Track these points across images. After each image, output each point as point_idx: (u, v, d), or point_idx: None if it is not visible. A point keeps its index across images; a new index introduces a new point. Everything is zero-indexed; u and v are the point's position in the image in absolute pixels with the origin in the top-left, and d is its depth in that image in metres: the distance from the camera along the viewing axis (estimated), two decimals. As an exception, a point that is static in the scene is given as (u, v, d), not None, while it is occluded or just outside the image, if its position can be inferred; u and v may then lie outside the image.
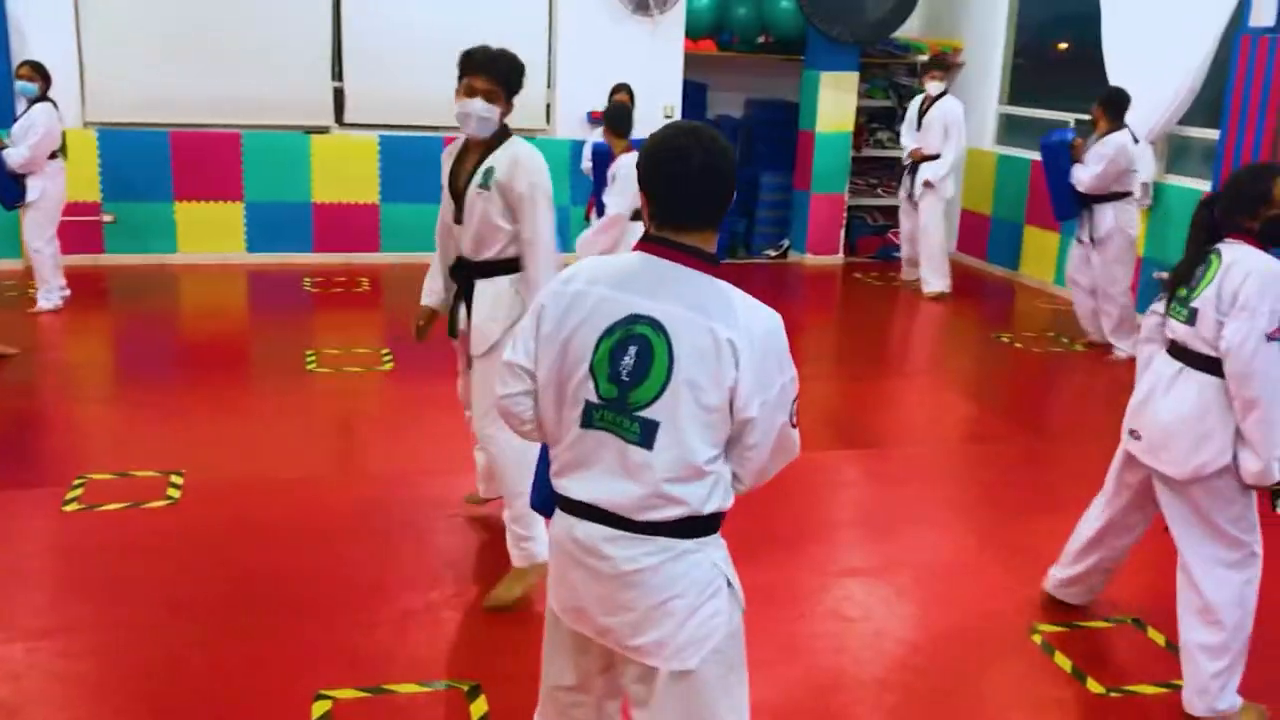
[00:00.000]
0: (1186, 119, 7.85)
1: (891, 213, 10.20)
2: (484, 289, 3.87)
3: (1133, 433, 3.56)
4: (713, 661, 2.24)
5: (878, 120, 10.70)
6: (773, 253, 10.52)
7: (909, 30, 10.54)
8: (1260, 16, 5.58)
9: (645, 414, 2.15)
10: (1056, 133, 7.62)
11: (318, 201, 9.26)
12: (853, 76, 9.94)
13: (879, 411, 6.61)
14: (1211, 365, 3.30)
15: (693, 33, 9.75)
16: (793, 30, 9.95)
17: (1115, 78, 8.11)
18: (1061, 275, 8.34)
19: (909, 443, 5.98)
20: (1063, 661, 3.74)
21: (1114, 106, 7.24)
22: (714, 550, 2.26)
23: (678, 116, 9.59)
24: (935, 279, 9.08)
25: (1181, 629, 3.46)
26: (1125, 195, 7.25)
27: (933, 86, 9.07)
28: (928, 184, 8.95)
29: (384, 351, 6.86)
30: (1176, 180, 8.07)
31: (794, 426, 2.29)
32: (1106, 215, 7.24)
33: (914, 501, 5.09)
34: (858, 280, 9.78)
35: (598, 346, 2.18)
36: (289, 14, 8.92)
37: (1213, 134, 7.02)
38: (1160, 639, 3.90)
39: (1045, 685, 3.62)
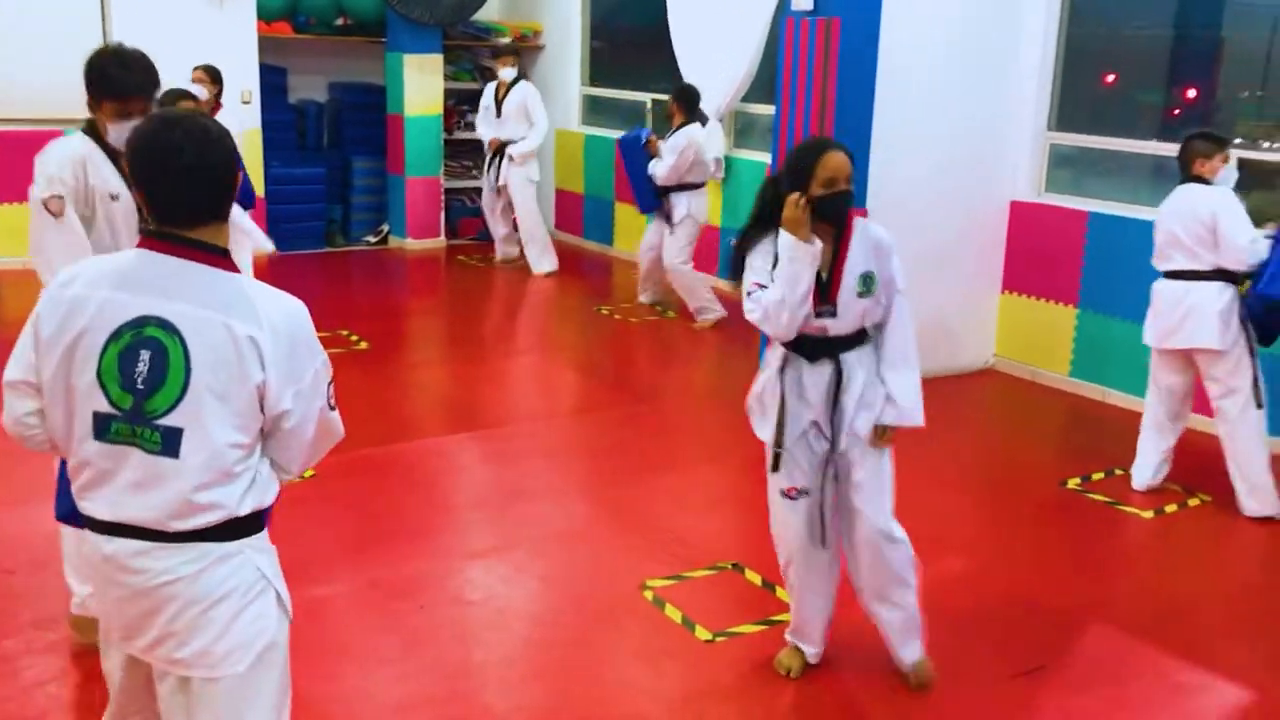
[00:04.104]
0: (749, 96, 8.48)
1: (488, 194, 10.28)
2: None
3: None
4: (258, 666, 2.21)
5: (466, 103, 10.71)
6: (372, 239, 10.31)
7: (489, 13, 10.64)
8: (801, 1, 6.10)
9: (166, 422, 2.07)
10: (632, 133, 8.12)
11: None
12: (437, 59, 9.90)
13: (492, 391, 6.65)
14: None
15: (266, 14, 9.29)
16: (371, 12, 9.75)
17: (684, 59, 8.62)
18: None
19: (523, 419, 6.07)
20: (673, 613, 3.94)
21: (687, 100, 7.82)
22: (257, 554, 2.21)
23: (256, 102, 9.14)
24: (542, 260, 9.31)
25: None
26: (698, 186, 7.84)
27: (505, 72, 9.21)
28: (511, 158, 9.12)
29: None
30: (743, 154, 8.71)
31: (333, 409, 2.28)
32: (681, 203, 7.82)
33: (530, 477, 5.17)
34: (462, 263, 9.80)
35: (104, 352, 2.08)
36: None
37: (771, 110, 7.61)
38: (757, 579, 4.21)
39: (658, 639, 3.80)
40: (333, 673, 3.50)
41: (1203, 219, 4.86)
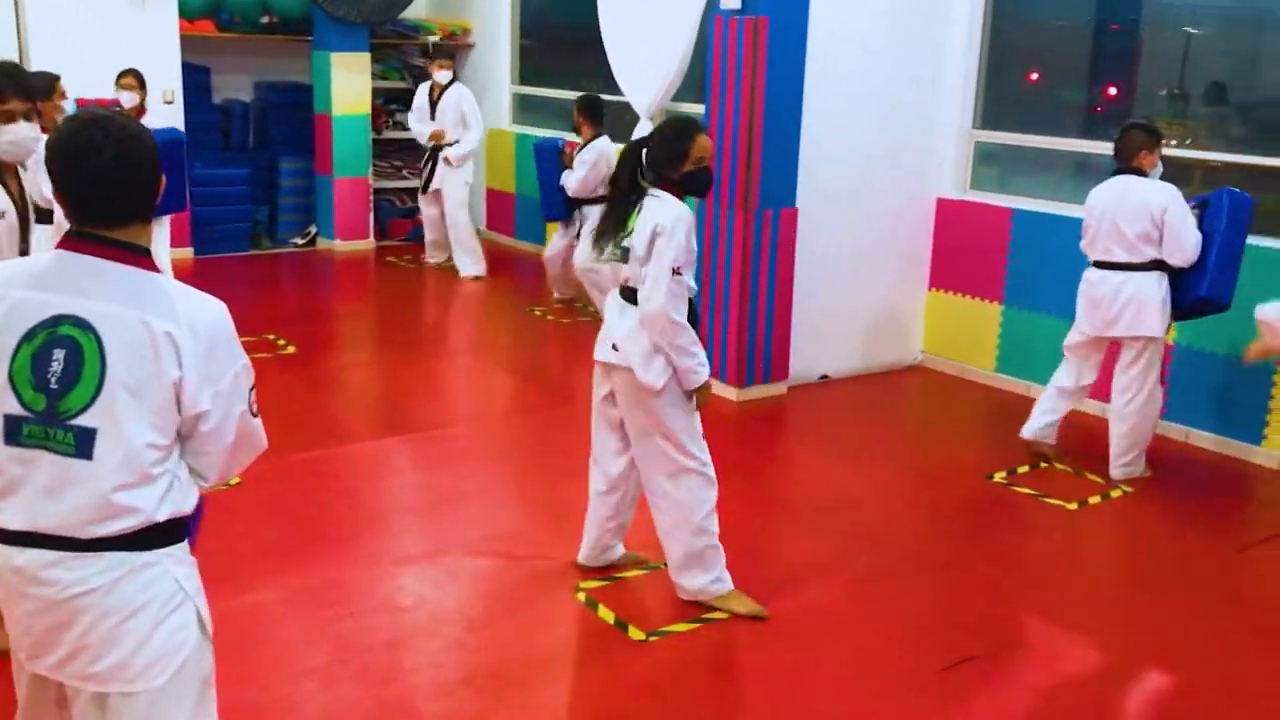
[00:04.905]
0: (679, 95, 8.47)
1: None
2: None
3: (613, 346, 3.83)
4: (178, 679, 2.16)
5: (395, 102, 10.61)
6: (300, 241, 10.16)
7: (417, 11, 10.54)
8: (729, 0, 6.11)
9: (79, 422, 2.03)
10: (550, 140, 8.18)
11: None
12: (364, 57, 9.79)
13: (424, 394, 6.58)
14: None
15: (188, 13, 9.12)
16: (297, 10, 9.61)
17: (614, 58, 8.59)
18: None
19: (455, 422, 6.01)
20: (606, 615, 3.93)
21: (593, 112, 7.88)
22: (176, 565, 2.16)
23: (179, 101, 8.97)
24: (470, 265, 9.22)
25: (661, 538, 3.91)
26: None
27: (441, 75, 9.09)
28: (447, 160, 9.01)
29: None
30: (675, 152, 8.70)
31: (255, 416, 2.26)
32: (594, 217, 7.72)
33: (462, 480, 5.12)
34: (391, 264, 9.69)
35: (17, 353, 2.03)
36: None
37: (701, 109, 7.62)
38: (690, 578, 4.21)
39: (591, 641, 3.79)
40: (258, 682, 3.43)
41: (1154, 216, 4.97)
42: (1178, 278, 5.07)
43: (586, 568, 4.22)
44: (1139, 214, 4.99)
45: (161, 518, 2.09)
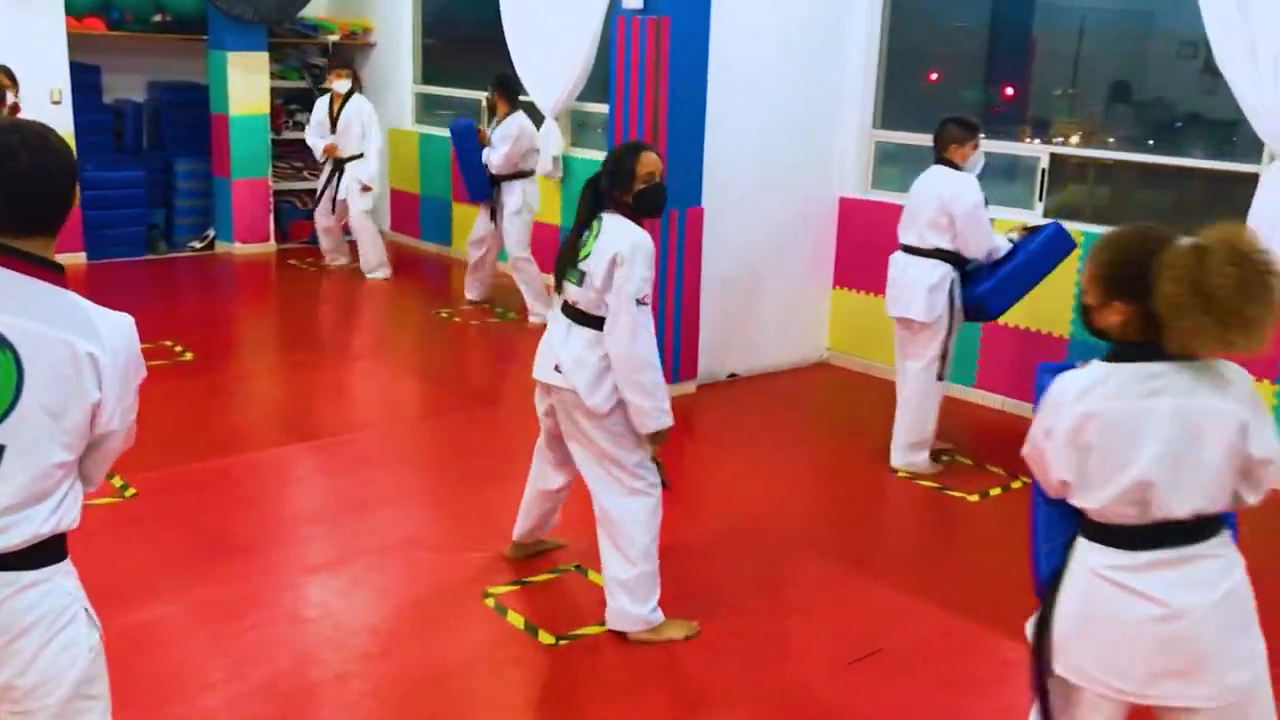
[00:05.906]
0: (584, 95, 8.46)
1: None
2: None
3: (557, 368, 3.71)
4: (73, 698, 2.10)
5: (295, 102, 10.41)
6: (198, 244, 9.90)
7: (316, 9, 10.36)
8: (630, 0, 6.11)
9: None
10: (463, 119, 8.12)
11: None
12: (262, 57, 9.58)
13: (328, 399, 6.47)
14: (596, 322, 3.63)
15: (75, 10, 8.83)
16: (191, 8, 9.38)
17: (518, 57, 8.54)
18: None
19: (361, 427, 5.91)
20: (515, 619, 3.90)
21: (508, 89, 7.83)
22: (65, 578, 2.11)
23: (67, 101, 8.67)
24: (377, 270, 9.12)
25: (601, 556, 3.80)
26: (530, 174, 7.85)
27: (339, 85, 8.89)
28: (366, 188, 8.86)
29: None
30: (580, 153, 8.69)
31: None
32: (516, 191, 7.79)
33: (367, 486, 5.04)
34: (293, 267, 9.50)
35: None
36: None
37: (605, 108, 7.62)
38: (600, 580, 4.19)
39: (501, 646, 3.76)
40: (159, 698, 3.33)
41: (945, 206, 5.15)
42: (972, 274, 5.24)
43: (515, 550, 4.31)
44: (931, 202, 5.19)
45: (46, 532, 2.04)
